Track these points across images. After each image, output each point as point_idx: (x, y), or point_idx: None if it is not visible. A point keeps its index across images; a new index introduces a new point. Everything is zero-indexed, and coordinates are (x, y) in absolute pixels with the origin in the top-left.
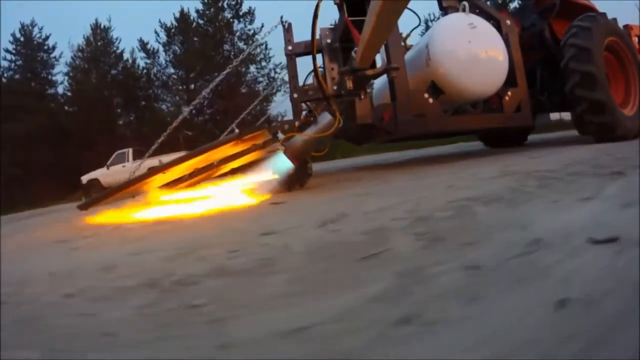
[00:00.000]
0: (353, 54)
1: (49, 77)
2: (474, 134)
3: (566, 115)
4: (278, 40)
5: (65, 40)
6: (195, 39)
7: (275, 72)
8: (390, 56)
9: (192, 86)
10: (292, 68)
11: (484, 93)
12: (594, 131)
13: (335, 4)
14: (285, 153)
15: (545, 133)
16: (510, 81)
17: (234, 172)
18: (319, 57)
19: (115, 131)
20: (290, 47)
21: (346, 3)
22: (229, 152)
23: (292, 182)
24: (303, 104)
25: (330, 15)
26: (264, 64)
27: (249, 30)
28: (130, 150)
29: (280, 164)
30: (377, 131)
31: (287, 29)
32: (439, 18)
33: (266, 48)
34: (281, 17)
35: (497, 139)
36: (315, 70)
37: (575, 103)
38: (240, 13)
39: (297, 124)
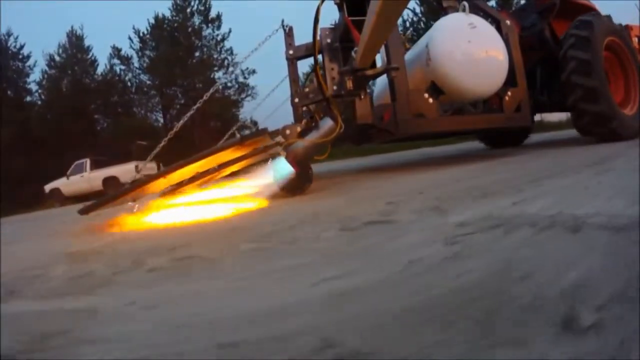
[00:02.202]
0: (353, 54)
1: (25, 85)
2: (474, 134)
3: (546, 117)
4: (247, 44)
5: (37, 42)
6: (168, 43)
7: (245, 77)
8: (390, 56)
9: (163, 90)
10: (293, 72)
11: (484, 93)
12: (589, 122)
13: (335, 4)
14: (286, 158)
15: None
16: (510, 81)
17: (234, 176)
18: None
19: (92, 138)
20: (291, 51)
21: (346, 3)
22: (230, 156)
23: (293, 187)
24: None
25: (330, 16)
26: (231, 69)
27: (217, 35)
28: (88, 160)
29: (282, 169)
30: (377, 131)
31: (288, 33)
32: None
33: (232, 53)
34: (282, 21)
35: (497, 139)
36: (316, 72)
37: (570, 91)
38: (209, 18)
39: (298, 129)
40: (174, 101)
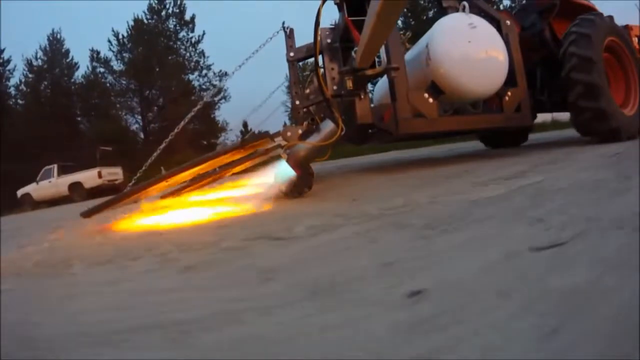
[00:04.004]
0: (353, 54)
1: (6, 90)
2: (473, 133)
3: None
4: (219, 46)
5: (16, 45)
6: (142, 48)
7: (219, 80)
8: (390, 56)
9: (142, 92)
10: (293, 74)
11: (484, 93)
12: (589, 119)
13: (335, 4)
14: (287, 162)
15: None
16: (510, 81)
17: (237, 177)
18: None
19: (71, 141)
20: (292, 54)
21: (346, 3)
22: (231, 159)
23: (294, 190)
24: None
25: (330, 16)
26: (204, 72)
27: (191, 37)
28: (56, 166)
29: (282, 171)
30: (377, 131)
31: (289, 35)
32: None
33: (204, 56)
34: (283, 23)
35: (497, 139)
36: (317, 73)
37: (570, 87)
38: (183, 21)
39: (299, 131)
40: (153, 103)
